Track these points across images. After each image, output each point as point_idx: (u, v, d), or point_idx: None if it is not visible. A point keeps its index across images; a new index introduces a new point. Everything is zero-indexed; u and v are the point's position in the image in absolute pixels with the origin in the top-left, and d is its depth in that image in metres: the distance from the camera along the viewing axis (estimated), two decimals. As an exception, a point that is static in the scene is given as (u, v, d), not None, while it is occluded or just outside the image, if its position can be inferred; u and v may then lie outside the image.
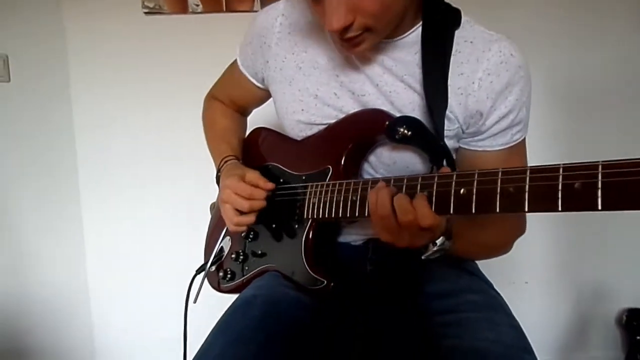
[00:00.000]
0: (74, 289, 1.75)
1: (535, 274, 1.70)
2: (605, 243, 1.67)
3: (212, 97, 1.04)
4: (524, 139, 0.75)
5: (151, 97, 1.69)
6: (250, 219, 0.77)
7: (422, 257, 0.63)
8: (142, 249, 1.76)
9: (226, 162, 0.88)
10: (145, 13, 1.62)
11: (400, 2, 0.62)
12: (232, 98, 1.00)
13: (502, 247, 0.78)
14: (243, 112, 1.04)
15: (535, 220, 0.75)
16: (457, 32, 0.71)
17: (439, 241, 0.61)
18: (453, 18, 0.72)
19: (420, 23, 0.72)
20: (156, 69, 1.67)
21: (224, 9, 1.62)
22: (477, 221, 0.71)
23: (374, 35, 0.65)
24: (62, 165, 1.70)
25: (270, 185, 0.77)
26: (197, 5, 1.62)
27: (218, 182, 0.90)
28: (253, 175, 0.78)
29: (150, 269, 1.77)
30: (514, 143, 0.73)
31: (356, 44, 0.65)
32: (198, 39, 1.64)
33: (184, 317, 0.92)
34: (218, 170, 0.90)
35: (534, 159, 0.76)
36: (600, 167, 0.42)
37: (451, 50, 0.70)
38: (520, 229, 0.78)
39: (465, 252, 0.74)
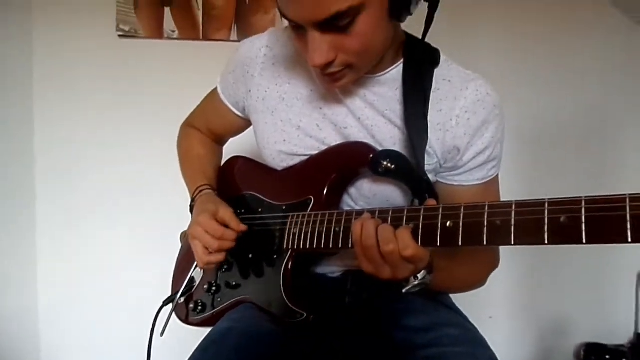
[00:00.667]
0: (24, 318, 1.63)
1: (499, 309, 1.74)
2: (564, 279, 1.74)
3: (188, 125, 1.03)
4: (498, 174, 0.78)
5: (121, 123, 1.65)
6: (219, 257, 0.76)
7: (403, 291, 0.62)
8: (101, 277, 1.67)
9: (201, 191, 0.87)
10: (120, 36, 1.60)
11: (381, 41, 0.65)
12: (209, 127, 0.99)
13: (478, 280, 0.80)
14: (220, 141, 1.03)
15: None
16: (436, 71, 0.74)
17: (420, 275, 0.61)
18: (432, 57, 0.75)
19: (402, 61, 0.75)
20: (127, 94, 1.64)
21: (201, 37, 1.63)
22: (456, 255, 0.73)
23: (355, 71, 0.67)
24: (20, 187, 1.62)
25: (242, 227, 0.77)
26: (174, 32, 1.62)
27: (192, 211, 0.88)
28: (226, 213, 0.77)
29: (110, 298, 1.67)
30: (489, 178, 0.76)
31: (337, 79, 0.67)
32: (172, 66, 1.64)
33: (148, 352, 0.86)
34: (192, 200, 0.88)
35: (502, 193, 0.80)
36: (583, 202, 0.44)
37: (430, 87, 0.73)
38: (494, 263, 0.80)
39: (444, 286, 0.74)
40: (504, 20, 1.68)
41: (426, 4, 0.65)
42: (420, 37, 0.73)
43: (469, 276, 0.78)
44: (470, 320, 0.78)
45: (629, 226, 0.41)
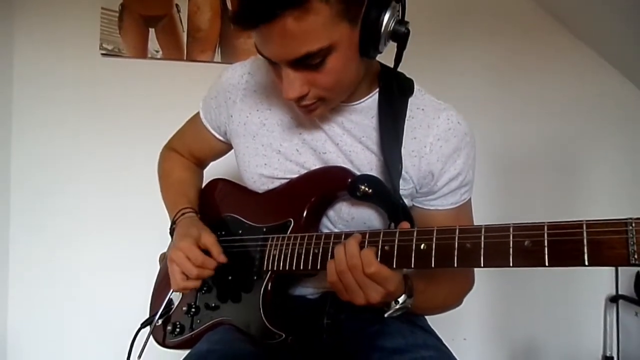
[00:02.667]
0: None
1: (473, 331, 1.77)
2: (536, 303, 1.79)
3: (169, 149, 1.03)
4: (470, 198, 0.82)
5: (101, 142, 1.65)
6: (196, 284, 0.76)
7: (385, 315, 0.65)
8: (76, 299, 1.64)
9: (183, 214, 0.87)
10: (103, 55, 1.61)
11: (352, 76, 0.68)
12: (191, 150, 1.00)
13: (455, 301, 0.82)
14: (200, 164, 1.04)
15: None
16: (410, 100, 0.78)
17: (401, 299, 0.65)
18: (407, 86, 0.79)
19: (377, 90, 0.78)
20: (109, 112, 1.64)
21: (185, 58, 1.64)
22: (433, 277, 0.75)
23: (328, 103, 0.70)
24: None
25: (222, 259, 0.77)
26: (157, 52, 1.64)
27: (171, 234, 0.88)
28: (208, 239, 0.78)
29: (85, 321, 1.64)
30: (462, 202, 0.79)
31: (311, 110, 0.70)
32: (156, 86, 1.65)
33: (124, 375, 0.85)
34: (173, 222, 0.88)
35: (475, 217, 0.83)
36: (546, 227, 0.47)
37: (405, 115, 0.76)
38: (470, 284, 0.83)
39: (424, 306, 0.76)
40: (476, 54, 1.78)
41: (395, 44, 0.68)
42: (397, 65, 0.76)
43: (447, 297, 0.80)
44: (445, 341, 0.80)
45: (585, 250, 0.44)
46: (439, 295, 0.77)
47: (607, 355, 1.73)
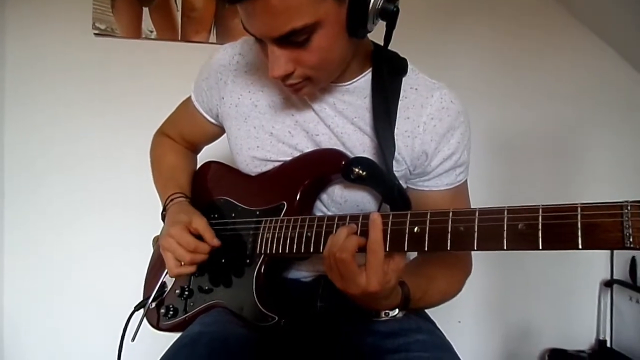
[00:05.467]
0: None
1: (468, 314, 1.78)
2: (531, 286, 1.80)
3: (161, 134, 1.02)
4: (466, 180, 0.81)
5: (94, 123, 1.63)
6: (191, 269, 0.75)
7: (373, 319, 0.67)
8: (70, 282, 1.64)
9: (172, 200, 0.86)
10: (96, 34, 1.58)
11: (339, 56, 0.67)
12: (183, 135, 0.99)
13: (453, 293, 0.80)
14: (194, 149, 1.03)
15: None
16: (404, 79, 0.76)
17: (391, 313, 0.66)
18: (400, 66, 0.77)
19: (370, 69, 0.76)
20: (102, 93, 1.62)
21: (179, 38, 1.62)
22: (431, 277, 0.74)
23: (314, 83, 0.69)
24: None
25: (216, 243, 0.76)
26: (152, 32, 1.61)
27: (163, 220, 0.87)
28: (200, 223, 0.77)
29: (79, 304, 1.64)
30: (458, 184, 0.78)
31: (297, 89, 0.69)
32: (149, 67, 1.62)
33: (118, 358, 0.86)
34: (164, 208, 0.87)
35: (473, 200, 0.82)
36: (540, 210, 0.46)
37: (398, 95, 0.75)
38: (468, 270, 0.82)
39: (421, 308, 0.77)
40: (478, 36, 1.75)
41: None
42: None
43: (446, 293, 0.78)
44: (440, 324, 0.80)
45: (579, 233, 0.44)
46: (437, 295, 0.76)
47: (601, 339, 1.75)
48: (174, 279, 0.89)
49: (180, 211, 0.81)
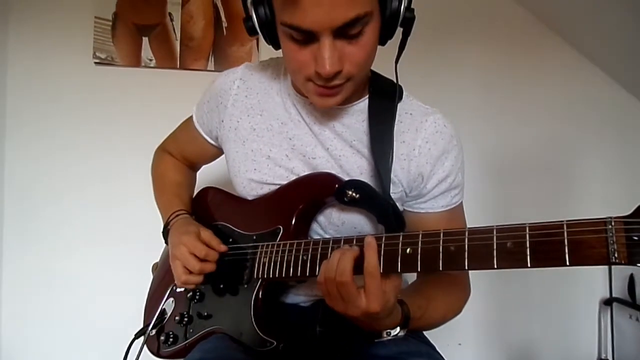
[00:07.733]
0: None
1: (468, 336, 1.77)
2: (530, 306, 1.79)
3: (163, 150, 1.05)
4: (462, 202, 0.82)
5: (94, 150, 1.64)
6: (199, 279, 0.77)
7: (375, 340, 0.66)
8: (70, 310, 1.63)
9: (177, 216, 0.88)
10: (96, 63, 1.61)
11: (373, 58, 0.69)
12: (184, 153, 1.01)
13: (455, 310, 0.80)
14: (193, 167, 1.06)
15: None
16: (399, 105, 0.79)
17: (393, 332, 0.66)
18: (396, 92, 0.79)
19: (367, 95, 0.79)
20: (102, 121, 1.64)
21: (178, 66, 1.65)
22: (430, 298, 0.74)
23: (352, 84, 0.70)
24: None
25: (223, 248, 0.78)
26: (151, 60, 1.64)
27: (165, 236, 0.88)
28: (207, 234, 0.79)
29: (79, 332, 1.62)
30: (454, 205, 0.80)
31: (335, 93, 0.69)
32: (149, 94, 1.65)
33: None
34: (166, 224, 0.89)
35: (468, 221, 0.83)
36: (527, 228, 0.47)
37: (394, 120, 0.77)
38: (467, 294, 0.82)
39: (421, 329, 0.77)
40: (470, 59, 1.79)
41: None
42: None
43: (446, 313, 0.78)
44: (441, 347, 0.79)
45: (566, 250, 0.45)
46: (437, 315, 0.76)
47: (602, 357, 1.73)
48: (174, 305, 0.89)
49: (188, 224, 0.84)
